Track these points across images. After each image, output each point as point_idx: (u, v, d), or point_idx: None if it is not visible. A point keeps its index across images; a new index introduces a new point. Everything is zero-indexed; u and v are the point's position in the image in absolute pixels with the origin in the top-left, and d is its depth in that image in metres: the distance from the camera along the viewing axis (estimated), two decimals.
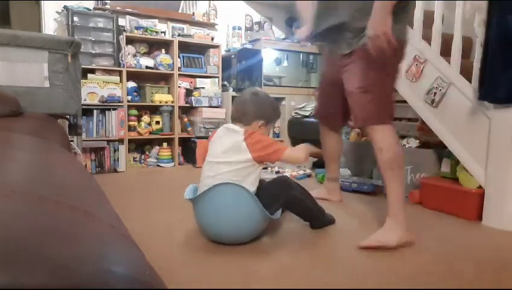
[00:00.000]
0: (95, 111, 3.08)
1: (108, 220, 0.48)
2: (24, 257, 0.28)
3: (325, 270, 1.30)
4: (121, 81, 3.19)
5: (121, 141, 3.20)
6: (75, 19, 2.99)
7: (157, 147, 3.46)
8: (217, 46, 3.65)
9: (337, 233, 1.70)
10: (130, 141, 3.27)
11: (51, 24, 3.19)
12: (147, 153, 3.48)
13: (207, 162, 1.55)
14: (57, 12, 3.16)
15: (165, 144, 3.44)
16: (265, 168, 3.04)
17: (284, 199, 1.57)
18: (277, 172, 3.05)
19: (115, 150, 3.16)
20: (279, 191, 1.56)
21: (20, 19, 3.71)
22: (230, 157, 1.47)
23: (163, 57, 3.37)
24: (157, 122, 3.45)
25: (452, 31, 2.04)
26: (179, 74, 3.45)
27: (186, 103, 3.53)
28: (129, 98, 3.25)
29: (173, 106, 3.44)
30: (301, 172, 3.02)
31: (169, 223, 1.77)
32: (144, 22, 3.37)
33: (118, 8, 3.32)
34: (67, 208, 0.45)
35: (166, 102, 3.40)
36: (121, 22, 3.26)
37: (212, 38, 3.71)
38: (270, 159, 1.51)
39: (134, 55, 3.31)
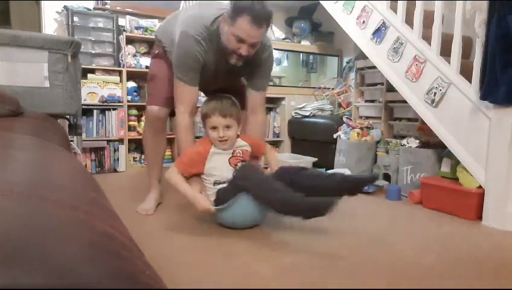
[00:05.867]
0: (95, 111, 3.07)
1: (108, 220, 0.48)
2: (24, 257, 0.28)
3: (325, 270, 1.30)
4: (121, 81, 3.19)
5: (121, 141, 3.20)
6: (75, 18, 2.99)
7: None
8: None
9: (336, 233, 1.70)
10: (130, 141, 3.27)
11: (51, 24, 3.19)
12: None
13: None
14: (57, 12, 3.16)
15: None
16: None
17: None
18: None
19: (115, 150, 3.16)
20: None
21: (20, 19, 3.71)
22: None
23: None
24: None
25: (452, 31, 2.04)
26: None
27: None
28: (129, 98, 3.24)
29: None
30: None
31: (169, 222, 1.77)
32: (143, 22, 3.36)
33: (118, 8, 3.32)
34: (67, 208, 0.45)
35: None
36: (121, 22, 3.25)
37: None
38: None
39: (134, 55, 3.31)
